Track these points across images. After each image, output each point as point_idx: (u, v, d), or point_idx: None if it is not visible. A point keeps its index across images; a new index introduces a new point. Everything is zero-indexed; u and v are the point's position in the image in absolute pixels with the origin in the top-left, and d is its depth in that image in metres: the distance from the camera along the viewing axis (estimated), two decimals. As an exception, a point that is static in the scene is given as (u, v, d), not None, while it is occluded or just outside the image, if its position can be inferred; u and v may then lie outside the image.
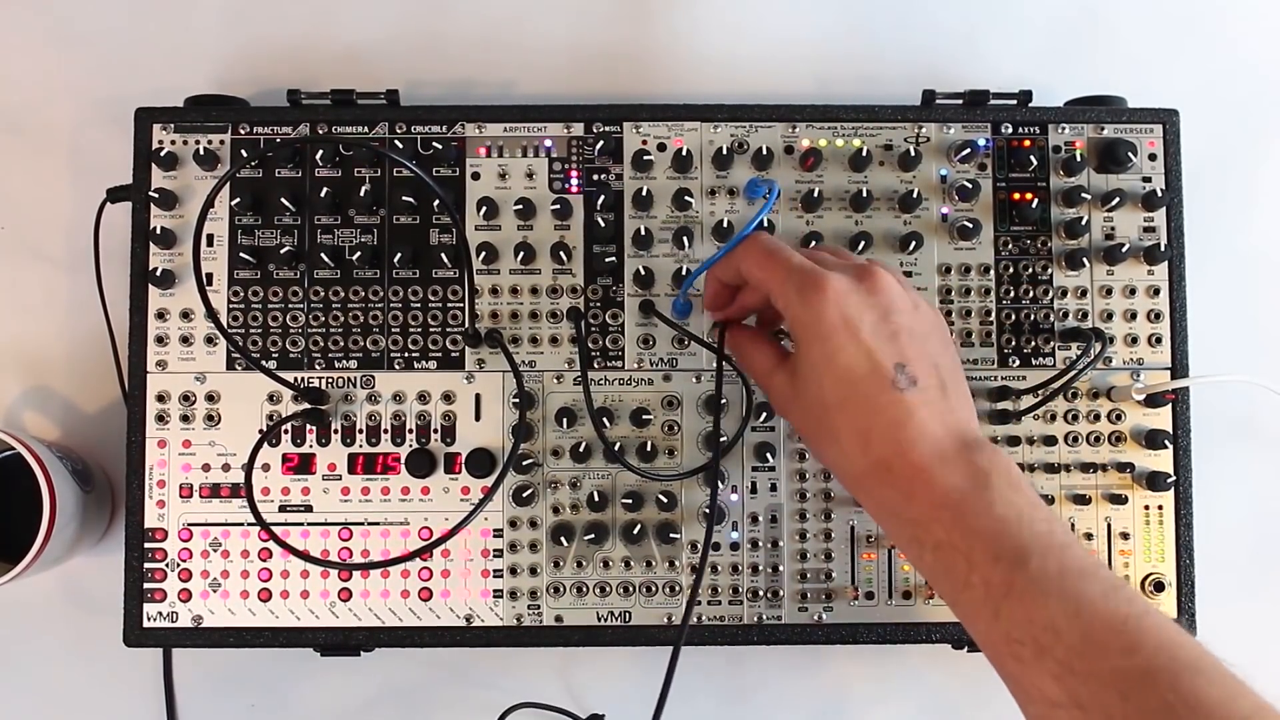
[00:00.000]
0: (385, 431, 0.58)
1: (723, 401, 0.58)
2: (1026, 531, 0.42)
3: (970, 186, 0.59)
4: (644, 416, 0.58)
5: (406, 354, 0.59)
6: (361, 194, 0.59)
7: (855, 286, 0.47)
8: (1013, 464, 0.45)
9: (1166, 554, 0.59)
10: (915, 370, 0.46)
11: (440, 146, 0.59)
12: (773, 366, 0.51)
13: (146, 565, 0.57)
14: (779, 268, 0.48)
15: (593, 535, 0.57)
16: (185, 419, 0.58)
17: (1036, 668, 0.40)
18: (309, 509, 0.58)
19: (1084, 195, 0.59)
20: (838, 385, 0.46)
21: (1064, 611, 0.40)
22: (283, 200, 0.58)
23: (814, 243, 0.59)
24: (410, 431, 0.58)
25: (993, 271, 0.60)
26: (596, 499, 0.57)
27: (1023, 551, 0.41)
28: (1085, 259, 0.59)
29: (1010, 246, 0.60)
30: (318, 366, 0.59)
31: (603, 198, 0.59)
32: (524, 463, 0.58)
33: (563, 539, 0.57)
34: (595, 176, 0.60)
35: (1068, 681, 0.39)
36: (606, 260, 0.59)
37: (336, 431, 0.58)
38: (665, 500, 0.57)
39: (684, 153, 0.59)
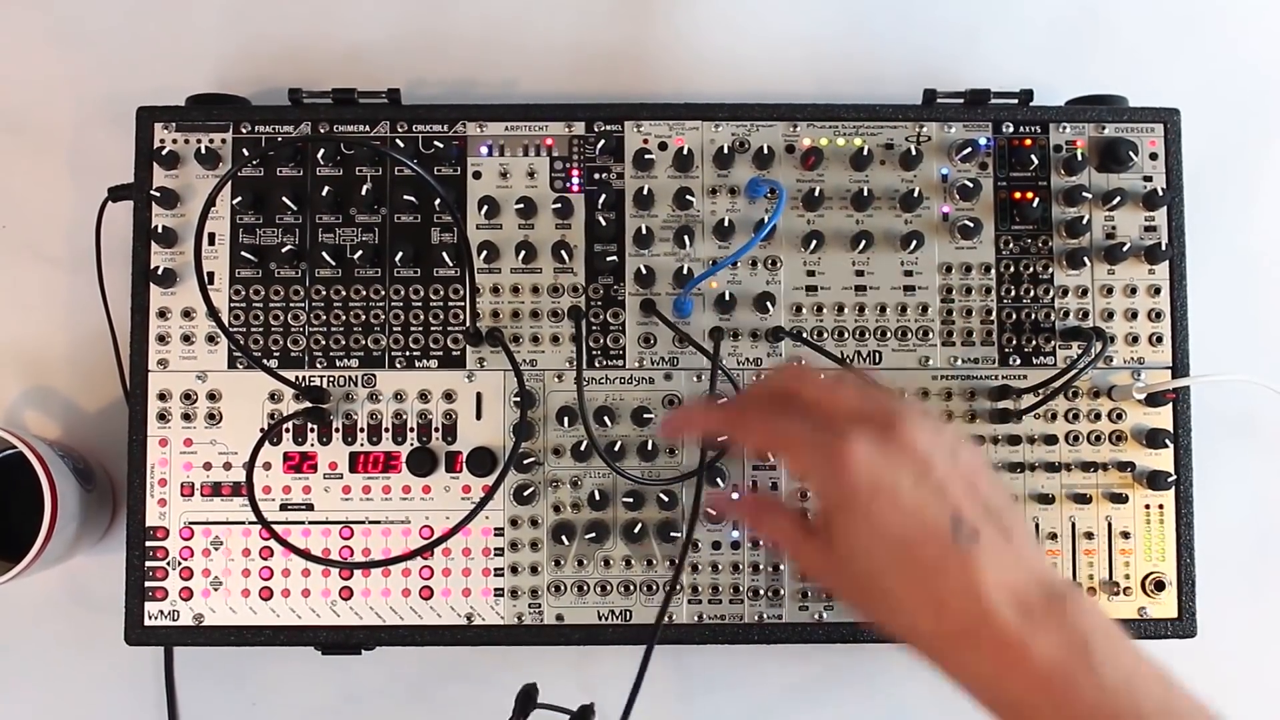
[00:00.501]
0: (386, 430, 0.58)
1: (722, 400, 0.58)
2: (1143, 702, 0.38)
3: (971, 185, 0.59)
4: (645, 415, 0.58)
5: (408, 353, 0.59)
6: (363, 193, 0.59)
7: (881, 448, 0.41)
8: (1103, 612, 0.40)
9: (1167, 553, 0.59)
10: (973, 521, 0.41)
11: (441, 145, 0.59)
12: (801, 538, 0.45)
13: (148, 564, 0.57)
14: (794, 441, 0.43)
15: (593, 534, 0.57)
16: (186, 417, 0.58)
17: None
18: (310, 508, 0.58)
19: (1085, 194, 0.59)
20: (890, 554, 0.41)
21: None
22: (284, 199, 0.58)
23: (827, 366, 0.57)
24: (411, 430, 0.58)
25: (994, 270, 0.60)
26: (597, 498, 0.57)
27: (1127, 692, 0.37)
28: (1086, 258, 0.59)
29: (1011, 245, 0.60)
30: (319, 365, 0.59)
31: (604, 197, 0.59)
32: (525, 461, 0.58)
33: (563, 538, 0.57)
34: (596, 175, 0.60)
35: None
36: (607, 259, 0.59)
37: (338, 430, 0.58)
38: (666, 499, 0.57)
39: (685, 152, 0.59)
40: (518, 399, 0.57)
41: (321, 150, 0.59)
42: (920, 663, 0.42)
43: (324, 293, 0.59)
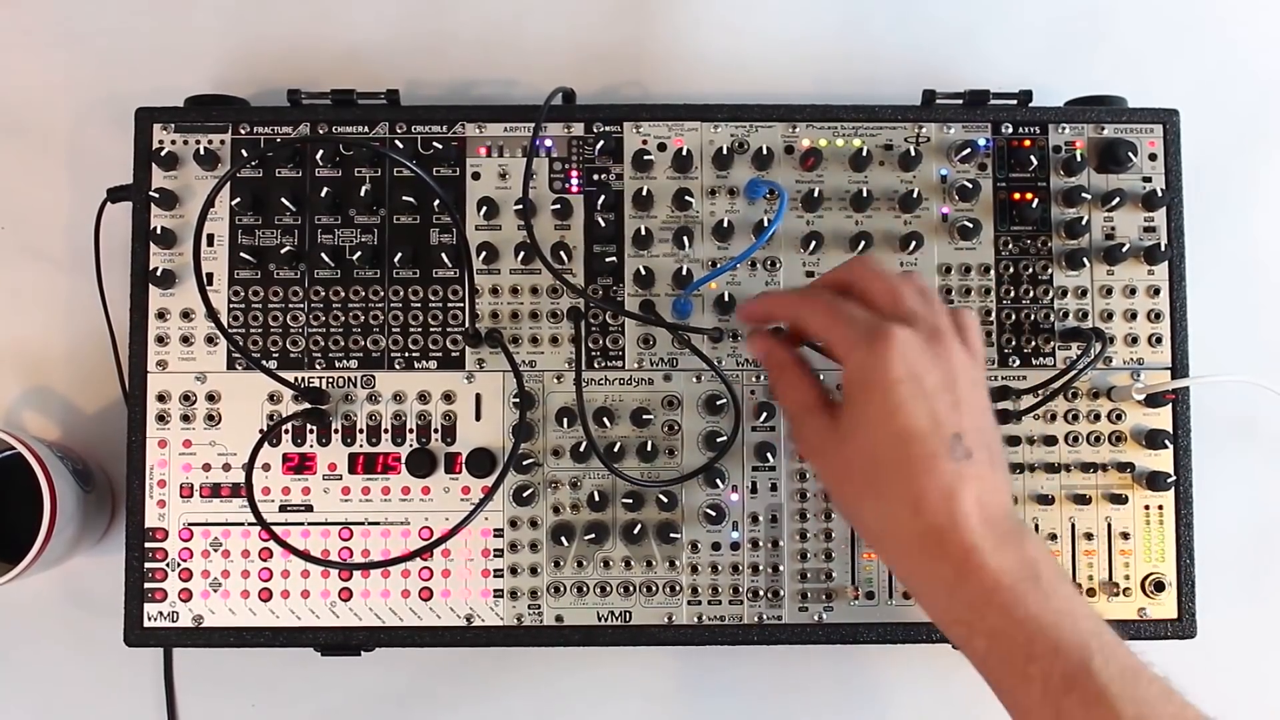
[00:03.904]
0: (385, 431, 0.58)
1: (721, 402, 0.58)
2: (1084, 627, 0.41)
3: (970, 186, 0.59)
4: (644, 416, 0.58)
5: (407, 354, 0.59)
6: (362, 194, 0.59)
7: (922, 345, 0.45)
8: (1050, 552, 0.45)
9: (1166, 554, 0.59)
10: (970, 442, 0.44)
11: (440, 146, 0.59)
12: (813, 404, 0.49)
13: (147, 565, 0.57)
14: (847, 319, 0.47)
15: (593, 535, 0.57)
16: (186, 419, 0.58)
17: None
18: (309, 509, 0.58)
19: (1084, 195, 0.59)
20: (894, 441, 0.44)
21: (1130, 715, 0.39)
22: (283, 200, 0.58)
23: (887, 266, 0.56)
24: (410, 431, 0.58)
25: (993, 271, 0.60)
26: (597, 499, 0.57)
27: (1084, 649, 0.41)
28: (1085, 259, 0.59)
29: (1010, 246, 0.60)
30: (318, 366, 0.59)
31: (603, 198, 0.59)
32: (524, 462, 0.58)
33: (563, 539, 0.57)
34: (595, 176, 0.60)
35: None
36: (607, 260, 0.59)
37: (337, 431, 0.58)
38: (665, 500, 0.57)
39: (684, 153, 0.59)
40: (517, 400, 0.57)
41: (320, 151, 0.59)
42: (884, 564, 0.48)
43: (323, 294, 0.59)
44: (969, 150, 0.59)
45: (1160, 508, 0.59)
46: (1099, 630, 0.42)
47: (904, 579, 0.47)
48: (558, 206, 0.59)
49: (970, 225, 0.59)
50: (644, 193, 0.58)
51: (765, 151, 0.59)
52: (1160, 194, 0.59)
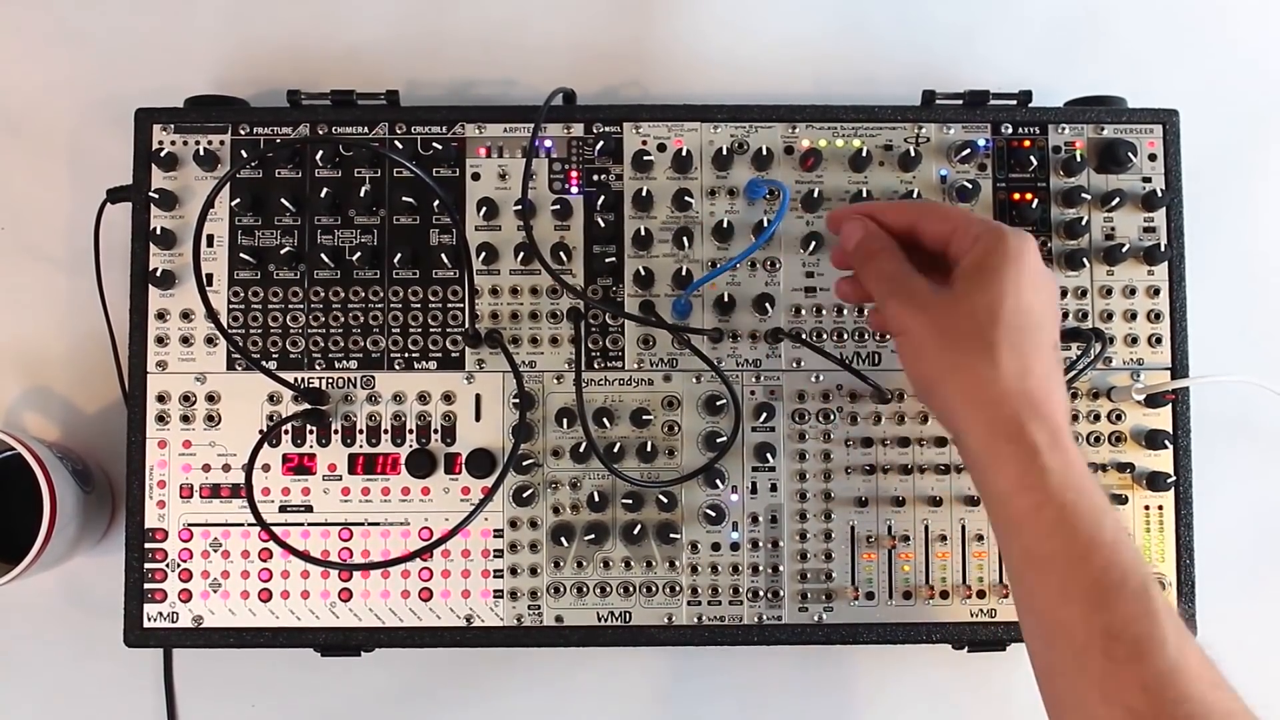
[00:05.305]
0: (385, 432, 0.58)
1: (721, 402, 0.58)
2: (1107, 510, 0.43)
3: (970, 187, 0.59)
4: (644, 417, 0.58)
5: (406, 354, 0.59)
6: (361, 194, 0.59)
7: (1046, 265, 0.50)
8: None
9: (1167, 554, 0.59)
10: (1059, 356, 0.48)
11: (440, 147, 0.59)
12: (914, 271, 0.49)
13: (147, 565, 0.57)
14: (976, 218, 0.49)
15: (593, 535, 0.57)
16: (185, 419, 0.58)
17: (1127, 672, 0.40)
18: (309, 509, 0.58)
19: (1084, 195, 0.59)
20: (1020, 311, 0.45)
21: (1171, 628, 0.40)
22: (283, 201, 0.58)
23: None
24: (410, 432, 0.58)
25: (993, 272, 0.60)
26: (596, 499, 0.57)
27: (1140, 555, 0.42)
28: (1085, 259, 0.59)
29: (1010, 247, 0.60)
30: (318, 367, 0.59)
31: (603, 198, 0.59)
32: (524, 463, 0.58)
33: (563, 539, 0.57)
34: (595, 177, 0.60)
35: (1155, 696, 0.39)
36: (606, 260, 0.59)
37: (337, 432, 0.58)
38: (665, 501, 0.57)
39: (684, 153, 0.59)
40: (517, 400, 0.57)
41: (320, 152, 0.59)
42: (960, 424, 0.47)
43: (323, 294, 0.59)
44: (969, 151, 0.59)
45: (1160, 508, 0.59)
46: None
47: (981, 440, 0.46)
48: (557, 207, 0.59)
49: (970, 225, 0.59)
50: (644, 193, 0.58)
51: (765, 152, 0.59)
52: (1160, 194, 0.59)
